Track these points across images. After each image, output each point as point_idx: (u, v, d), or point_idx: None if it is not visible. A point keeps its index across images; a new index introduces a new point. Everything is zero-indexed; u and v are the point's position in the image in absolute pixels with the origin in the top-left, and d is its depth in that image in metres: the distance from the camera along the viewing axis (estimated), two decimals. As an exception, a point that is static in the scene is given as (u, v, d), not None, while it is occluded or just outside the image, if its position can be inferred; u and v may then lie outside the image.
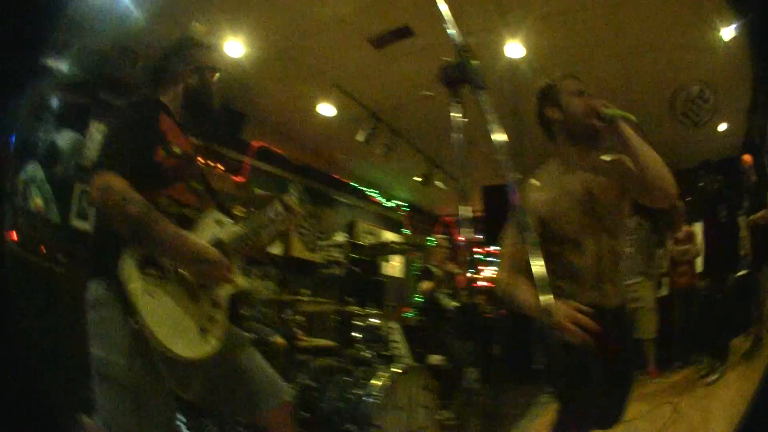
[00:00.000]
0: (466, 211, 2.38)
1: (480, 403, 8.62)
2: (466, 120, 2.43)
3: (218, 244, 3.10)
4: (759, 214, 8.24)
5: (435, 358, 8.74)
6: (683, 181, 10.00)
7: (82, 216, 4.36)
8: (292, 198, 3.72)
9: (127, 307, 2.70)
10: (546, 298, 2.24)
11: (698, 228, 10.06)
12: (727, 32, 8.27)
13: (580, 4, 7.71)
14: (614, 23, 8.08)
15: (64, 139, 6.12)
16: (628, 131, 3.28)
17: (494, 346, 10.97)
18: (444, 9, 2.45)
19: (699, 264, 9.98)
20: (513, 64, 8.36)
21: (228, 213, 3.41)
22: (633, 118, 3.34)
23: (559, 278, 3.45)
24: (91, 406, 2.93)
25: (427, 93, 2.42)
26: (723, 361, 8.17)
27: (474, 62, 2.36)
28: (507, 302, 3.38)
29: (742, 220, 9.91)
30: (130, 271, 2.73)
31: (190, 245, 2.91)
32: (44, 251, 5.15)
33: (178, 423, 4.54)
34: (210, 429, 4.87)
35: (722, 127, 11.68)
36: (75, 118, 6.52)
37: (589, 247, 3.41)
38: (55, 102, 6.58)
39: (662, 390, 8.52)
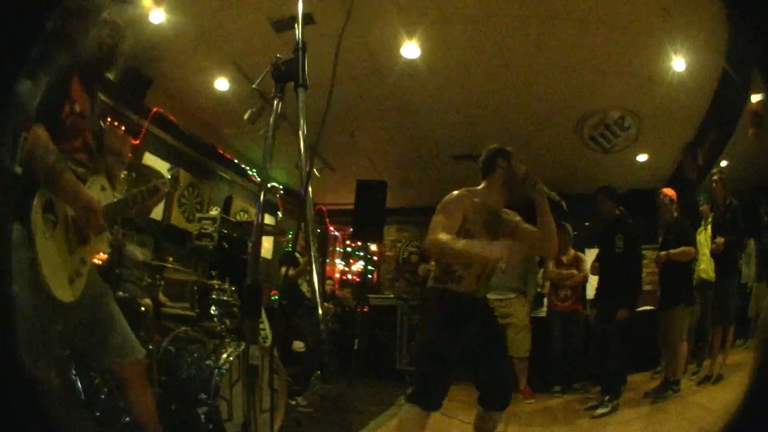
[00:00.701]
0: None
1: (334, 395, 9.43)
2: (279, 114, 2.90)
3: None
4: (678, 251, 8.78)
5: (297, 344, 9.55)
6: (584, 203, 10.78)
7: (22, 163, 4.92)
8: (166, 182, 4.59)
9: (30, 239, 3.45)
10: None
11: (589, 255, 10.58)
12: (679, 65, 8.95)
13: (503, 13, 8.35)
14: (528, 34, 8.70)
15: (23, 87, 6.58)
16: (546, 205, 5.14)
17: (355, 340, 11.76)
18: (300, 6, 3.13)
19: (590, 291, 10.58)
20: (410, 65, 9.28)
21: (111, 181, 4.24)
22: (556, 196, 5.12)
23: (457, 264, 5.15)
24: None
25: (254, 87, 2.96)
26: (614, 396, 8.46)
27: (302, 61, 2.87)
28: (440, 254, 5.09)
29: (650, 254, 10.55)
30: (36, 211, 3.50)
31: (83, 195, 3.72)
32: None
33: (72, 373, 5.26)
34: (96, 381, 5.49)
35: (642, 157, 12.51)
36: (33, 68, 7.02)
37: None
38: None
39: (535, 411, 9.17)
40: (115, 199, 4.27)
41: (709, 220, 9.43)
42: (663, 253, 8.96)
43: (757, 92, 5.25)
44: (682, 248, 8.74)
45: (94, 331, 3.98)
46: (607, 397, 8.43)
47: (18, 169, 3.42)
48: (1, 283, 3.03)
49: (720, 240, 8.57)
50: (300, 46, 2.90)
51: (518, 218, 5.45)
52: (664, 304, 9.07)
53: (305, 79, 2.82)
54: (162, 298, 7.02)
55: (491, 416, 5.26)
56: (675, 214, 9.11)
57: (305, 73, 2.83)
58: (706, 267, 9.36)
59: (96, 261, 4.17)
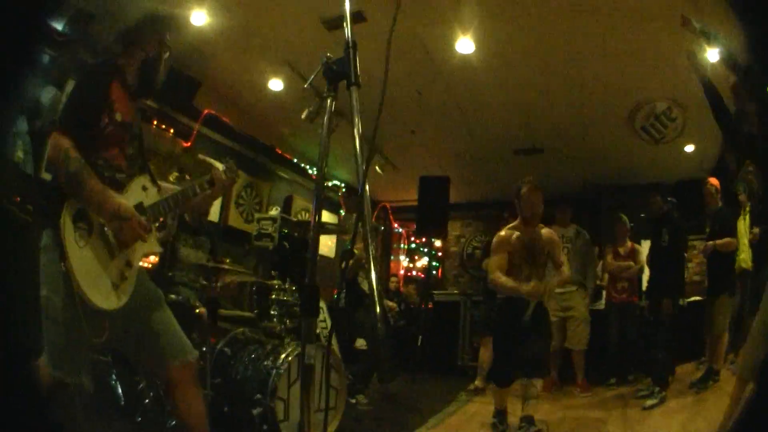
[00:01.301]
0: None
1: (395, 392, 9.47)
2: (336, 112, 2.86)
3: (138, 206, 3.90)
4: (722, 242, 8.71)
5: (359, 342, 9.61)
6: (639, 196, 10.70)
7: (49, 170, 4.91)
8: (221, 171, 4.59)
9: (62, 252, 3.47)
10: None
11: (644, 247, 10.48)
12: (713, 55, 8.96)
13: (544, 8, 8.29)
14: (577, 28, 8.66)
15: (47, 95, 6.70)
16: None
17: (419, 337, 11.77)
18: (347, 4, 3.02)
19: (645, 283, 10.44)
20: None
21: (154, 180, 4.18)
22: None
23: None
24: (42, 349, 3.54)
25: (306, 86, 2.93)
26: (663, 387, 8.47)
27: (353, 59, 2.79)
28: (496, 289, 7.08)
29: (699, 245, 10.41)
30: (66, 221, 3.52)
31: (111, 202, 3.67)
32: (18, 200, 5.73)
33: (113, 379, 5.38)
34: (141, 385, 5.55)
35: (689, 148, 12.36)
36: (59, 76, 7.24)
37: (523, 271, 7.06)
38: (44, 58, 7.23)
39: (590, 403, 9.18)
40: (161, 198, 4.19)
41: (747, 209, 9.19)
42: (710, 243, 8.89)
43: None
44: (726, 239, 8.70)
45: (143, 335, 3.98)
46: (656, 388, 8.48)
47: (46, 176, 3.46)
48: (24, 286, 3.13)
49: (756, 230, 8.33)
50: (350, 44, 2.84)
51: (553, 240, 7.36)
52: (710, 295, 8.99)
53: (357, 77, 2.76)
54: (220, 300, 7.12)
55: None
56: (719, 203, 9.07)
57: (357, 70, 2.77)
58: (745, 257, 9.05)
59: (146, 264, 4.23)
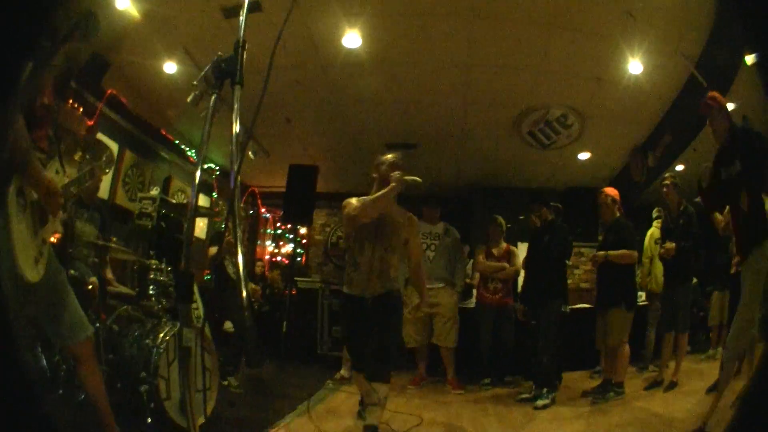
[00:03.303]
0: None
1: (264, 377, 9.58)
2: (220, 98, 2.98)
3: None
4: (617, 253, 8.64)
5: (227, 325, 9.64)
6: (519, 199, 10.91)
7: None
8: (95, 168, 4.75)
9: (8, 225, 3.62)
10: None
11: (522, 249, 10.51)
12: (635, 68, 9.04)
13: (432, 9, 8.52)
14: (473, 32, 8.87)
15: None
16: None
17: (283, 323, 11.86)
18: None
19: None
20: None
21: (62, 163, 4.37)
22: None
23: (348, 265, 6.23)
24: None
25: (195, 83, 3.02)
26: (552, 389, 8.60)
27: (241, 59, 2.95)
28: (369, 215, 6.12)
29: (588, 252, 10.64)
30: (11, 196, 3.68)
31: (46, 179, 3.88)
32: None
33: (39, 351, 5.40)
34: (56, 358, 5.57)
35: (584, 156, 12.69)
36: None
37: (367, 251, 6.14)
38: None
39: (465, 402, 9.14)
40: (68, 180, 4.47)
41: (658, 225, 9.66)
42: (601, 252, 8.88)
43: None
44: (623, 251, 8.66)
45: (51, 309, 4.14)
46: (545, 390, 8.50)
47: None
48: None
49: (671, 245, 8.59)
50: (240, 43, 3.00)
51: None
52: (602, 305, 8.96)
53: (242, 77, 2.93)
54: (109, 276, 7.17)
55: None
56: (617, 214, 9.05)
57: (242, 71, 2.94)
58: (654, 278, 9.64)
59: (51, 240, 4.34)
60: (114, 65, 10.05)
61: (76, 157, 6.09)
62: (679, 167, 11.37)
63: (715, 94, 6.39)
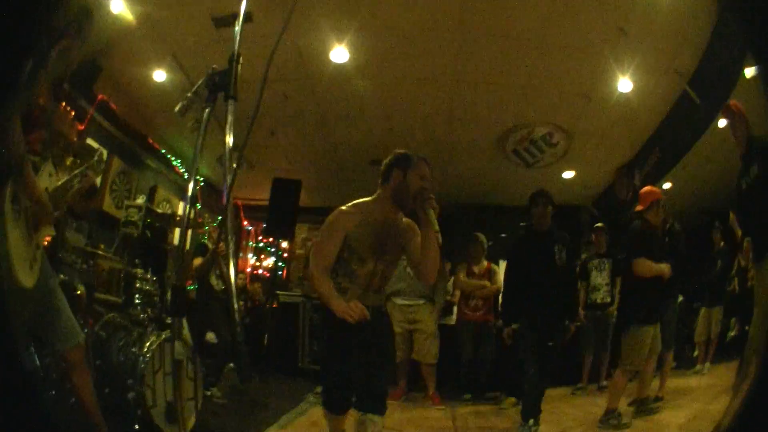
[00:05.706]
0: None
1: (245, 388, 9.60)
2: (209, 120, 3.02)
3: (45, 192, 4.13)
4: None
5: (209, 336, 9.59)
6: (502, 217, 10.88)
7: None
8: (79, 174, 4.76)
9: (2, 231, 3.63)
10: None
11: (503, 267, 10.25)
12: (625, 86, 9.04)
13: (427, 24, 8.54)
14: (461, 49, 8.93)
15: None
16: (429, 231, 4.98)
17: (265, 336, 11.87)
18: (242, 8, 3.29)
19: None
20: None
21: (55, 166, 4.43)
22: (436, 226, 4.92)
23: (341, 276, 5.39)
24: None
25: (189, 95, 3.01)
26: (535, 414, 8.06)
27: (235, 73, 3.02)
28: (313, 292, 5.32)
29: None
30: (6, 202, 3.66)
31: (37, 188, 3.95)
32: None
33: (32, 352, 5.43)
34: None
35: (568, 174, 12.69)
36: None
37: (368, 264, 5.33)
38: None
39: (446, 417, 9.21)
40: (59, 183, 4.46)
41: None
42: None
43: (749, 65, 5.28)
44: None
45: (45, 314, 4.17)
46: (531, 421, 7.80)
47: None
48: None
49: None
50: (235, 57, 3.06)
51: (412, 233, 5.38)
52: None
53: (236, 91, 2.98)
54: (96, 285, 7.20)
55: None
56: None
57: (236, 85, 2.98)
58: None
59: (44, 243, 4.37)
60: (105, 70, 10.03)
61: (68, 162, 6.10)
62: (667, 185, 11.24)
63: (736, 102, 6.39)
